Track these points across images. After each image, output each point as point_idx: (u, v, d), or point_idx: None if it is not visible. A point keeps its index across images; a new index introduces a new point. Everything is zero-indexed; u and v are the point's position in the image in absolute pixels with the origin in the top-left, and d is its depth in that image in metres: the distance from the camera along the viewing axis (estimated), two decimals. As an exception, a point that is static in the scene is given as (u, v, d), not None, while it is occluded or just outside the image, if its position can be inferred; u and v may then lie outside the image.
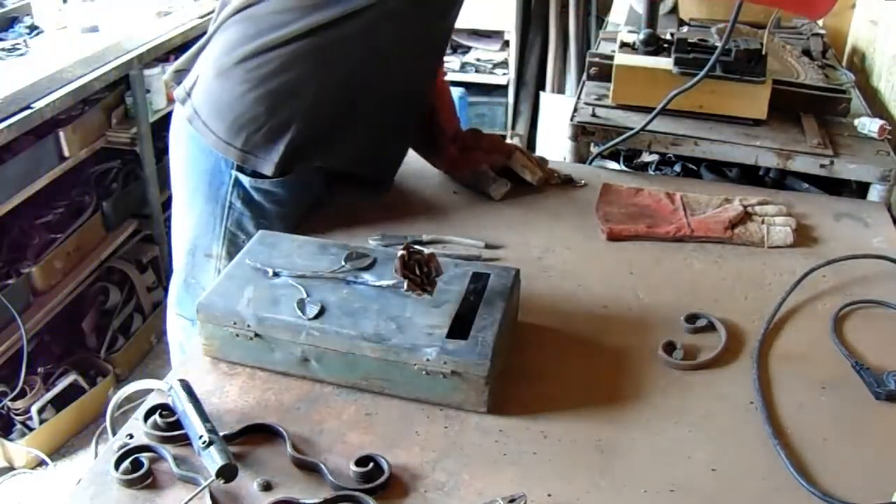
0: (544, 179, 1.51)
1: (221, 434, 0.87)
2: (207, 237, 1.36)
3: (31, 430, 2.30)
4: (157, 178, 2.65)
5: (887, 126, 1.67)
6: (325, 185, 1.39)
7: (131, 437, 0.92)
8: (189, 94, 1.30)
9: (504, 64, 3.90)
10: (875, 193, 1.58)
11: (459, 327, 0.99)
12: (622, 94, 1.74)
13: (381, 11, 1.20)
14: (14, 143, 2.13)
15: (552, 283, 1.25)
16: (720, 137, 1.64)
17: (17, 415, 2.30)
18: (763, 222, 1.39)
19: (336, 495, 0.84)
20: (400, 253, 1.02)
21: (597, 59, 1.92)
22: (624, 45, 1.87)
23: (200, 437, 0.85)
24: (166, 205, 2.60)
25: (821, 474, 0.90)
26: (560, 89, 3.94)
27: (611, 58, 1.82)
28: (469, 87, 3.85)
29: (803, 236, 1.38)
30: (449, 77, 3.87)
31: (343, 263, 1.10)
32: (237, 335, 1.02)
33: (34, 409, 2.29)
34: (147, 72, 2.56)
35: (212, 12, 1.35)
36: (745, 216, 1.39)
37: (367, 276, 1.08)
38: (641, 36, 1.83)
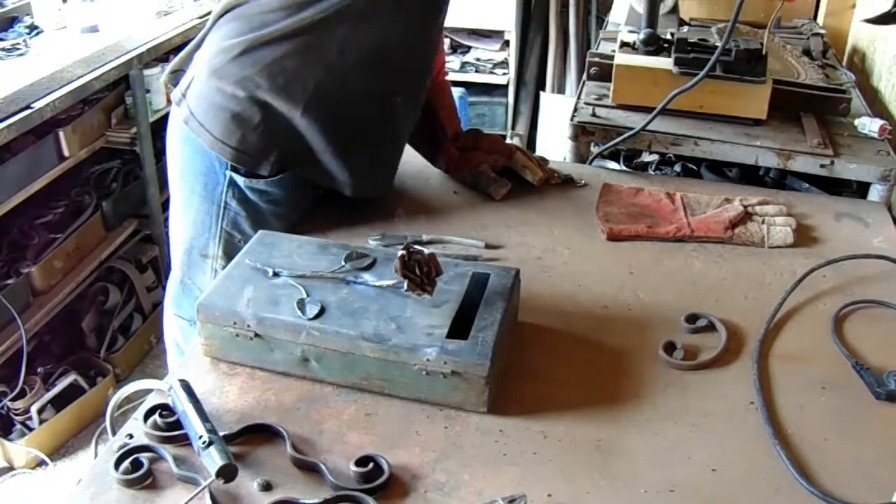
0: (545, 179, 1.51)
1: (221, 434, 0.87)
2: (203, 238, 1.36)
3: (31, 430, 2.30)
4: (157, 177, 2.65)
5: (887, 126, 1.67)
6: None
7: (131, 437, 0.92)
8: (184, 95, 1.30)
9: (504, 64, 3.90)
10: (875, 193, 1.58)
11: (459, 327, 0.99)
12: (622, 94, 1.74)
13: (367, 11, 1.20)
14: (14, 143, 2.13)
15: (552, 283, 1.25)
16: (720, 137, 1.64)
17: (17, 415, 2.30)
18: (763, 222, 1.39)
19: (336, 495, 0.84)
20: (400, 253, 1.02)
21: (597, 59, 1.92)
22: (624, 44, 1.87)
23: (200, 437, 0.85)
24: (166, 205, 2.58)
25: (821, 474, 0.90)
26: (560, 89, 3.94)
27: (611, 58, 1.82)
28: (469, 87, 3.85)
29: (803, 236, 1.38)
30: (449, 77, 3.90)
31: (343, 263, 1.10)
32: (237, 335, 1.02)
33: (34, 409, 2.28)
34: (147, 72, 2.56)
35: (210, 13, 1.35)
36: (746, 216, 1.39)
37: (367, 276, 1.08)
38: (641, 36, 1.83)
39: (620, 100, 1.75)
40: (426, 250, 1.05)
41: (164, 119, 2.53)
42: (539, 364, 1.07)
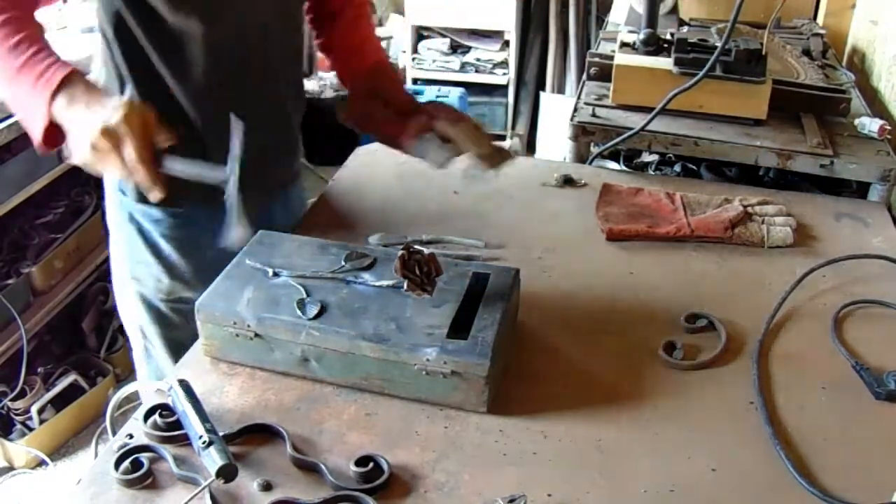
0: (489, 157, 1.25)
1: (221, 434, 0.87)
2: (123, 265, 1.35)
3: (31, 430, 2.30)
4: (157, 178, 2.65)
5: (887, 126, 1.67)
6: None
7: (131, 437, 0.92)
8: None
9: (504, 64, 3.91)
10: (875, 193, 1.58)
11: (459, 327, 0.99)
12: (622, 94, 1.74)
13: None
14: (14, 143, 2.13)
15: (552, 283, 1.25)
16: (720, 137, 1.64)
17: (17, 415, 2.30)
18: (763, 222, 1.39)
19: (336, 495, 0.84)
20: (400, 253, 1.02)
21: (597, 59, 1.92)
22: (624, 45, 1.87)
23: (200, 437, 0.85)
24: (166, 205, 2.59)
25: (821, 474, 0.90)
26: (560, 89, 3.95)
27: (611, 58, 1.82)
28: (469, 87, 3.85)
29: (803, 236, 1.38)
30: (449, 77, 3.90)
31: (343, 263, 1.10)
32: (237, 335, 1.02)
33: (34, 409, 2.29)
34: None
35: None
36: (745, 216, 1.39)
37: (367, 276, 1.08)
38: (641, 36, 1.83)
39: (620, 100, 1.75)
40: (426, 250, 1.05)
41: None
42: (539, 364, 1.07)
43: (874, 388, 1.03)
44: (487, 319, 1.00)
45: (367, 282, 1.07)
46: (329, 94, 3.67)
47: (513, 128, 3.98)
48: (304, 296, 1.04)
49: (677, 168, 1.84)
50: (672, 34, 1.84)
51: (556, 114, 3.73)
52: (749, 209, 1.41)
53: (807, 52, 2.08)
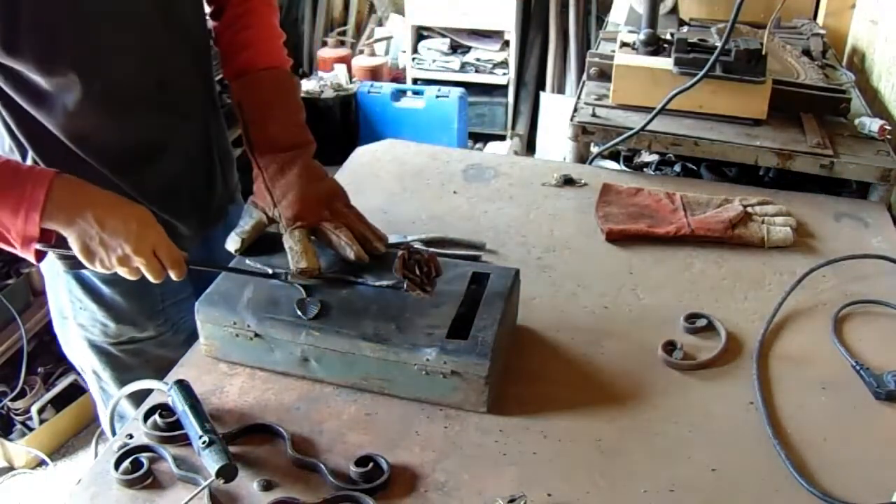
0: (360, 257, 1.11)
1: (221, 434, 0.87)
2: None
3: (31, 430, 2.30)
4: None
5: (887, 126, 1.67)
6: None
7: (131, 437, 0.92)
8: None
9: (504, 64, 3.90)
10: (875, 193, 1.58)
11: (459, 327, 0.99)
12: (622, 94, 1.74)
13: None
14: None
15: (552, 283, 1.25)
16: (720, 137, 1.64)
17: (17, 415, 2.30)
18: (763, 222, 1.39)
19: (336, 495, 0.84)
20: (400, 253, 1.02)
21: (597, 59, 1.92)
22: (624, 45, 1.87)
23: (200, 437, 0.85)
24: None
25: (821, 474, 0.90)
26: (560, 89, 3.94)
27: (611, 58, 1.82)
28: (469, 87, 3.85)
29: (803, 236, 1.38)
30: (449, 77, 3.90)
31: (343, 263, 1.10)
32: (237, 335, 1.02)
33: (34, 409, 2.29)
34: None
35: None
36: (745, 216, 1.39)
37: (367, 276, 1.08)
38: (641, 36, 1.83)
39: (620, 100, 1.75)
40: (426, 250, 1.05)
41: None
42: (539, 364, 1.07)
43: (874, 388, 1.03)
44: (487, 319, 1.00)
45: (367, 282, 1.07)
46: (329, 94, 3.66)
47: (513, 128, 3.97)
48: (304, 296, 1.04)
49: (677, 168, 1.84)
50: (672, 34, 1.84)
51: (556, 114, 3.73)
52: (749, 209, 1.41)
53: (807, 52, 2.08)
